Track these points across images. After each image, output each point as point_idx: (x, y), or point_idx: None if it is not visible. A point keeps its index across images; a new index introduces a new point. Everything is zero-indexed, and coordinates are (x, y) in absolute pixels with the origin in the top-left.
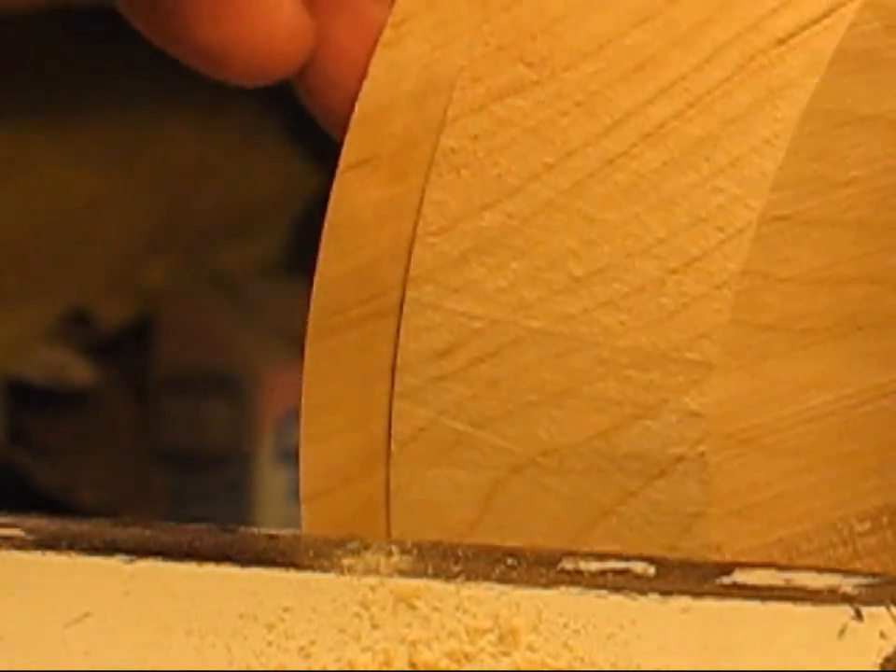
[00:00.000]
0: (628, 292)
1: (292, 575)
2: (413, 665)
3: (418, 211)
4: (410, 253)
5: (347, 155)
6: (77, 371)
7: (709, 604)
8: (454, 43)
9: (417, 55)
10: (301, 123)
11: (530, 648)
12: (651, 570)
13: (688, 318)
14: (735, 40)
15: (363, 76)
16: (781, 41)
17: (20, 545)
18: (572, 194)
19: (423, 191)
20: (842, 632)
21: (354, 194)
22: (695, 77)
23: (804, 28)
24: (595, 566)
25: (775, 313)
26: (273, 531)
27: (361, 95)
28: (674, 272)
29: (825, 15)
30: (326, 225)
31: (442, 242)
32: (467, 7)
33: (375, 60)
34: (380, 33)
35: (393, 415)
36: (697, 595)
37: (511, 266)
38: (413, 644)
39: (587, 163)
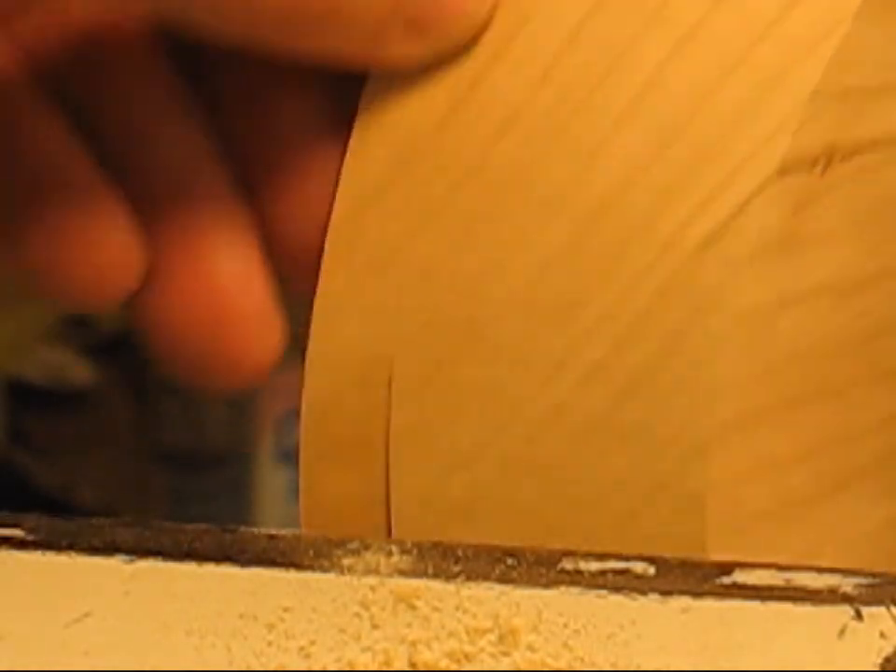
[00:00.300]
0: None
1: (292, 575)
2: (413, 664)
3: (387, 502)
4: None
5: (305, 451)
6: (77, 371)
7: (709, 604)
8: (385, 323)
9: (351, 339)
10: None
11: (530, 648)
12: (651, 570)
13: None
14: None
15: (195, 321)
16: None
17: (20, 545)
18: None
19: (387, 476)
20: (842, 632)
21: (322, 488)
22: None
23: None
24: (594, 566)
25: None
26: (273, 531)
27: (305, 390)
28: None
29: None
30: (301, 511)
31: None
32: (392, 292)
33: (309, 352)
34: (222, 284)
35: None
36: (697, 594)
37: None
38: (413, 644)
39: (535, 414)
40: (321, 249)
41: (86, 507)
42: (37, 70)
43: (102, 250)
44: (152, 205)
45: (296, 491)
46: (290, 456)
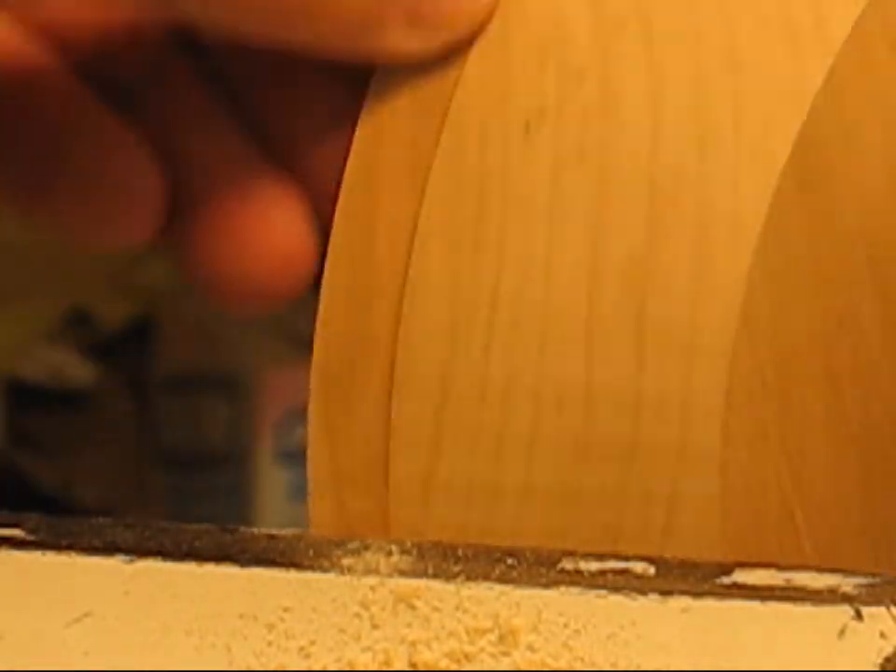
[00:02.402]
0: None
1: (292, 575)
2: (413, 664)
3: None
4: None
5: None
6: (77, 371)
7: (709, 604)
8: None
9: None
10: None
11: (530, 648)
12: (651, 570)
13: None
14: None
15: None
16: None
17: (20, 545)
18: None
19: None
20: (842, 632)
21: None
22: None
23: None
24: (594, 566)
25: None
26: (273, 531)
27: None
28: None
29: None
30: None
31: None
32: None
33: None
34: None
35: None
36: (697, 595)
37: None
38: (413, 644)
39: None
40: None
41: (86, 507)
42: (69, 55)
43: (126, 192)
44: (190, 170)
45: (296, 491)
46: (290, 456)
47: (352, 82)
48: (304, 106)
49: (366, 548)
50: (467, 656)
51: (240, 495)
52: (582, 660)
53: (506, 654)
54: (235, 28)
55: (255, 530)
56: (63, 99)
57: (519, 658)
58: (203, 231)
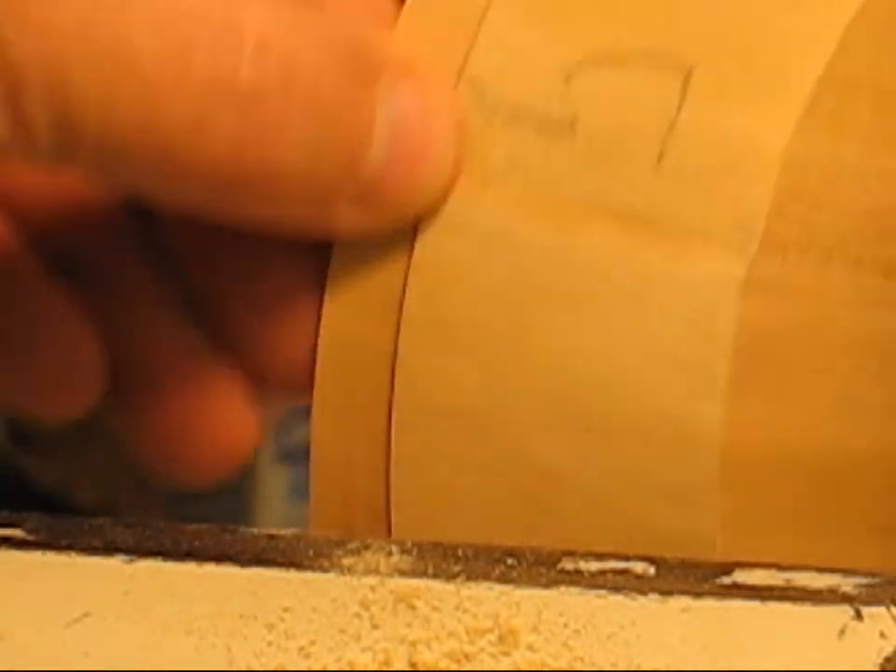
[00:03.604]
0: None
1: (292, 575)
2: (413, 664)
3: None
4: None
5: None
6: None
7: (709, 604)
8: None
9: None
10: None
11: (530, 648)
12: (651, 570)
13: None
14: None
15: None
16: None
17: (20, 545)
18: None
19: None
20: (842, 632)
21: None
22: None
23: None
24: (594, 566)
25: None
26: (273, 531)
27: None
28: None
29: None
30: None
31: None
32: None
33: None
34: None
35: None
36: (697, 594)
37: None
38: (413, 644)
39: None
40: (307, 377)
41: (86, 507)
42: (17, 224)
43: (64, 370)
44: (122, 328)
45: (296, 491)
46: (290, 456)
47: (298, 263)
48: (250, 284)
49: (366, 548)
50: (467, 656)
51: (240, 495)
52: (582, 660)
53: (506, 654)
54: (180, 201)
55: (255, 530)
56: (6, 269)
57: (519, 658)
58: (145, 412)
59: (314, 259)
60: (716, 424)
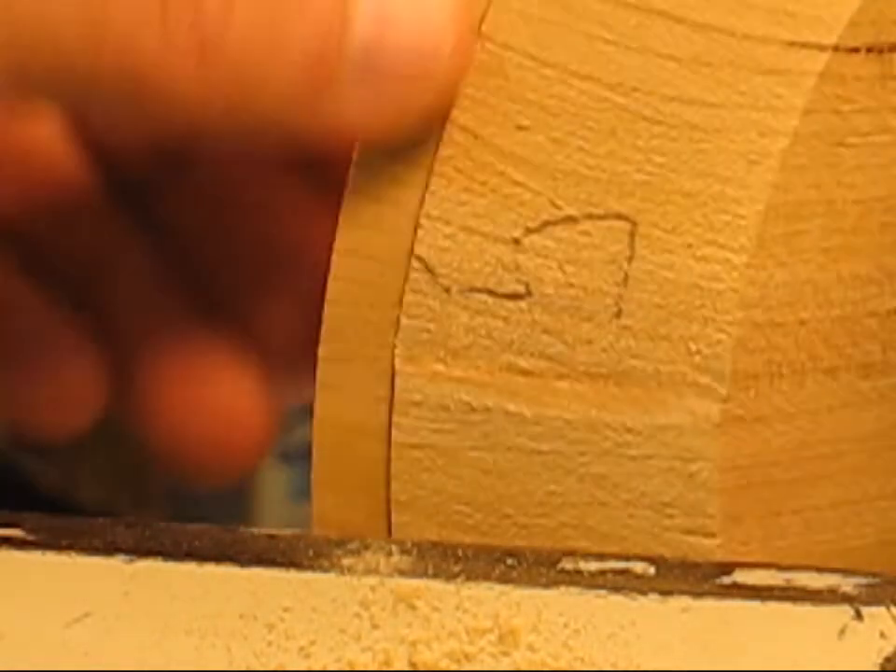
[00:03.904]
0: None
1: (292, 575)
2: (413, 664)
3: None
4: None
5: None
6: None
7: (709, 604)
8: None
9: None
10: None
11: (530, 648)
12: (651, 570)
13: None
14: None
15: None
16: None
17: (20, 545)
18: None
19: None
20: (842, 632)
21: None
22: None
23: None
24: (594, 566)
25: None
26: (273, 531)
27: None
28: None
29: None
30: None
31: None
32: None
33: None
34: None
35: None
36: (697, 594)
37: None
38: (413, 644)
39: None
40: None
41: (86, 507)
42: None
43: (62, 386)
44: (126, 333)
45: (296, 491)
46: (290, 456)
47: (298, 227)
48: (248, 259)
49: (366, 548)
50: (467, 656)
51: (240, 495)
52: (582, 660)
53: (506, 654)
54: (176, 122)
55: (255, 530)
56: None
57: (519, 658)
58: (153, 401)
59: (301, 236)
60: (716, 552)
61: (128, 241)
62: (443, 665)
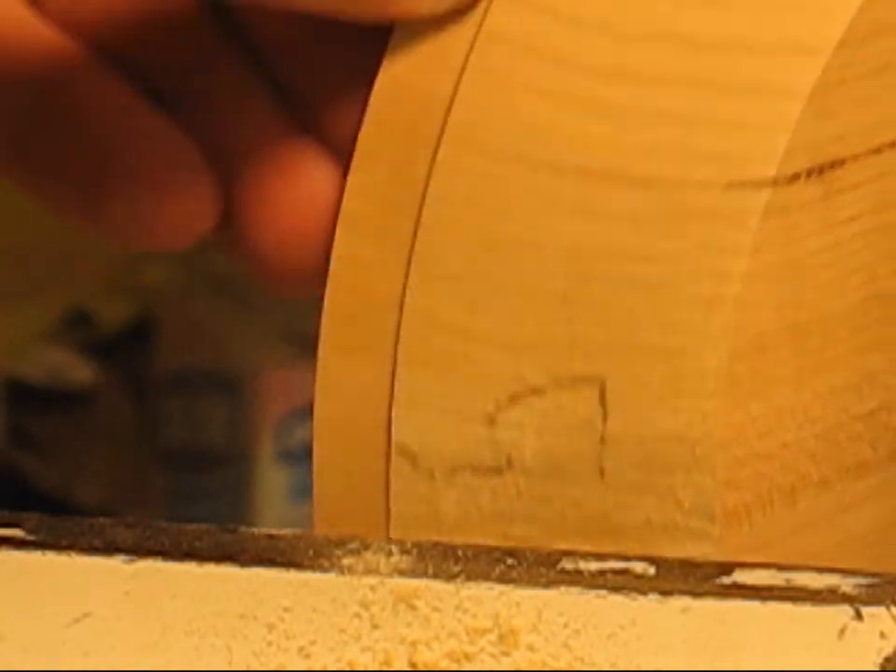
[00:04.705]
0: None
1: (292, 575)
2: (413, 665)
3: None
4: None
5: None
6: (77, 371)
7: (709, 604)
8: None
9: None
10: None
11: (530, 648)
12: (651, 570)
13: None
14: None
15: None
16: None
17: (20, 545)
18: None
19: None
20: (842, 632)
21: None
22: None
23: None
24: (594, 566)
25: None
26: (273, 531)
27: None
28: None
29: None
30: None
31: None
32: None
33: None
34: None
35: None
36: (697, 594)
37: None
38: (413, 644)
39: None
40: None
41: (86, 507)
42: (93, 41)
43: (176, 202)
44: (228, 148)
45: (296, 491)
46: (290, 456)
47: (372, 45)
48: (328, 73)
49: (366, 548)
50: (467, 656)
51: (240, 495)
52: (582, 660)
53: (506, 654)
54: None
55: (255, 530)
56: (105, 97)
57: (519, 658)
58: (248, 206)
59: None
60: None
61: (226, 58)
62: (443, 665)
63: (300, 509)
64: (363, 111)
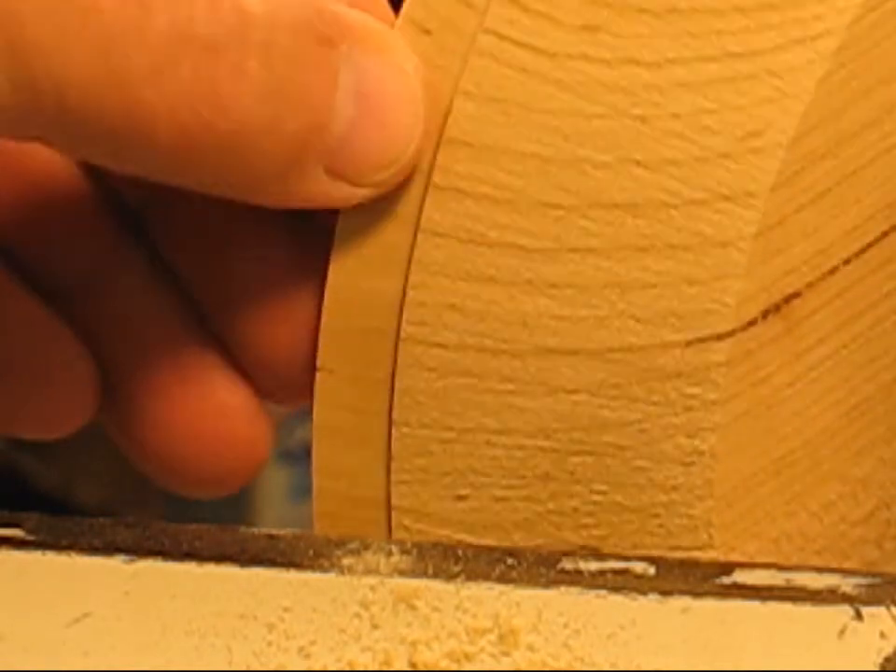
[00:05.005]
0: None
1: (292, 575)
2: (413, 665)
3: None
4: None
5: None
6: None
7: (709, 604)
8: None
9: None
10: None
11: (530, 648)
12: (651, 570)
13: None
14: None
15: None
16: None
17: (20, 545)
18: None
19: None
20: (842, 632)
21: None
22: None
23: None
24: (594, 566)
25: None
26: (273, 531)
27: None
28: None
29: None
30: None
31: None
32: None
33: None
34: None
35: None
36: (697, 594)
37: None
38: (413, 644)
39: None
40: (305, 365)
41: (86, 507)
42: None
43: (52, 398)
44: (118, 347)
45: (296, 491)
46: (290, 456)
47: (291, 250)
48: (242, 279)
49: (366, 548)
50: (467, 656)
51: (240, 495)
52: (582, 660)
53: (506, 654)
54: (146, 165)
55: (255, 530)
56: None
57: (519, 658)
58: (146, 421)
59: (308, 244)
60: None
61: (122, 256)
62: (443, 665)
63: (300, 509)
64: (278, 327)
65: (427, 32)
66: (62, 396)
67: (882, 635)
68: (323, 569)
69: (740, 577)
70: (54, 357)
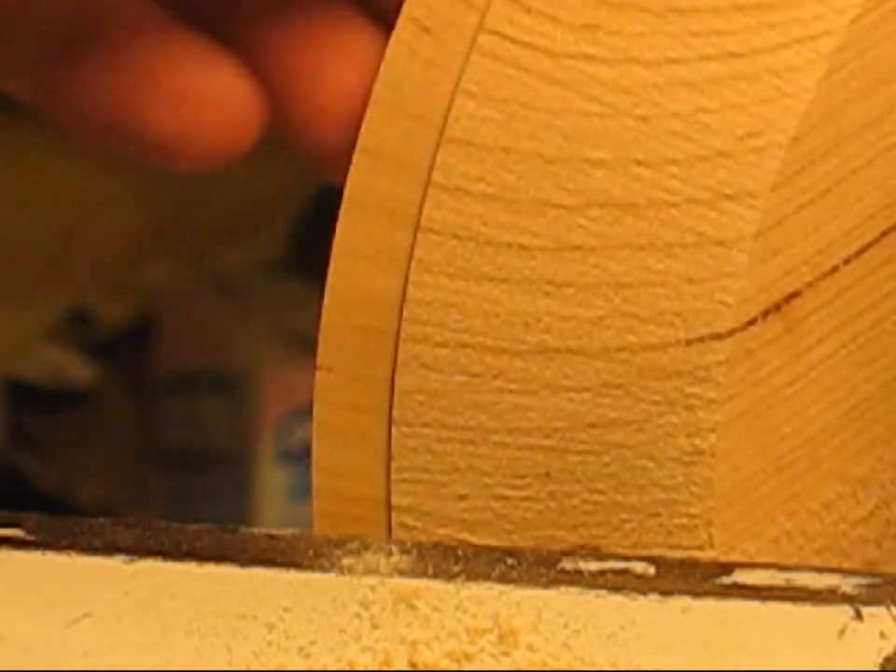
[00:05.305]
0: None
1: (292, 575)
2: (413, 665)
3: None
4: None
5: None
6: (78, 370)
7: (709, 604)
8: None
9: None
10: None
11: (530, 648)
12: (651, 570)
13: None
14: None
15: (358, 110)
16: None
17: (20, 545)
18: None
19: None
20: (842, 632)
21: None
22: None
23: None
24: (594, 565)
25: None
26: (273, 531)
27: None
28: None
29: None
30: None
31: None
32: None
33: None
34: (369, 63)
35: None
36: (697, 594)
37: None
38: (413, 644)
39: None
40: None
41: (86, 507)
42: None
43: (225, 112)
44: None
45: (296, 491)
46: (290, 456)
47: None
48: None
49: (366, 548)
50: (467, 656)
51: (240, 495)
52: (582, 660)
53: (506, 654)
54: None
55: (255, 530)
56: (140, 17)
57: (519, 658)
58: (287, 79)
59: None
60: None
61: None
62: (443, 665)
63: (300, 509)
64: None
65: (428, 30)
66: (231, 113)
67: (882, 635)
68: (323, 569)
69: (740, 577)
70: (219, 74)
